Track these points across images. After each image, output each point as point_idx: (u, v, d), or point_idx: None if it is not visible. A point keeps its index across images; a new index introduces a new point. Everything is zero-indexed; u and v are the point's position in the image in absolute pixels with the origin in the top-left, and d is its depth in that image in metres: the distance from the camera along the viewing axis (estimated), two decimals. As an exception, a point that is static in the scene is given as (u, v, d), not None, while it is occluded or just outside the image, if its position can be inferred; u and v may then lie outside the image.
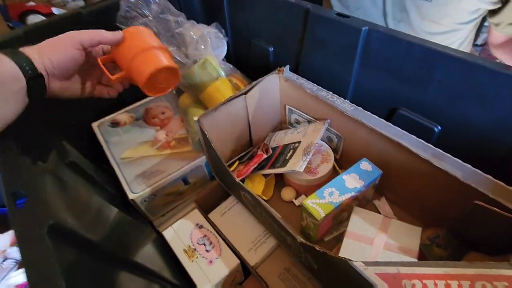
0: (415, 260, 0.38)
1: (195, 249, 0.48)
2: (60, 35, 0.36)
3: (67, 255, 0.25)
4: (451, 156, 0.36)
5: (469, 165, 0.34)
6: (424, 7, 0.58)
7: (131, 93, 0.63)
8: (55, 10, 1.53)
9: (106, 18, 0.53)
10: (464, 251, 0.38)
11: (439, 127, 0.41)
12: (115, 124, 0.62)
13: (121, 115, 0.64)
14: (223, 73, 0.53)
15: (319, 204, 0.41)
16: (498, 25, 0.59)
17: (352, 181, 0.43)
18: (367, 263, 0.27)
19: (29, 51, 0.33)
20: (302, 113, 0.56)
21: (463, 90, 0.36)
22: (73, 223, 0.30)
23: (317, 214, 0.40)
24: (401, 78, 0.41)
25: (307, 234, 0.48)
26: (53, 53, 0.34)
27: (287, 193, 0.55)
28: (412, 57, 0.39)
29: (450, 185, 0.35)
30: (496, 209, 0.31)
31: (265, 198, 0.55)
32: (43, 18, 1.50)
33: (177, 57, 0.56)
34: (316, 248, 0.30)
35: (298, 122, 0.59)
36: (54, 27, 0.52)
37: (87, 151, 0.57)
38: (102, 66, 0.40)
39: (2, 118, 0.30)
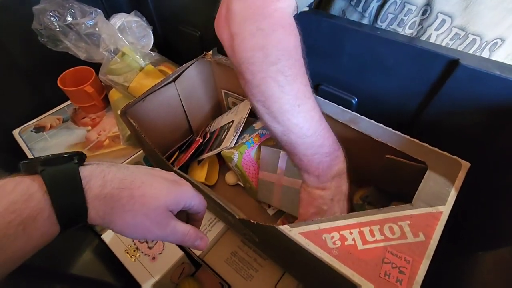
0: None
1: (137, 248, 0.47)
2: None
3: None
4: (366, 118, 0.37)
5: (381, 125, 0.37)
6: None
7: (55, 94, 0.59)
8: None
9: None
10: (390, 203, 0.41)
11: (356, 99, 0.43)
12: (39, 129, 0.58)
13: (45, 119, 0.59)
14: (143, 63, 0.51)
15: (234, 148, 0.47)
16: None
17: (260, 125, 0.50)
18: (292, 225, 0.28)
19: None
20: (237, 95, 0.55)
21: (369, 61, 0.38)
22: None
23: (232, 154, 0.46)
24: (316, 54, 0.42)
25: (248, 188, 0.51)
26: None
27: (230, 177, 0.55)
28: (322, 32, 0.40)
29: (366, 142, 0.37)
30: (402, 159, 0.34)
31: (210, 184, 0.55)
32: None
33: (95, 58, 0.52)
34: (251, 221, 0.31)
35: (235, 104, 0.59)
36: None
37: (9, 163, 0.53)
38: None
39: None
